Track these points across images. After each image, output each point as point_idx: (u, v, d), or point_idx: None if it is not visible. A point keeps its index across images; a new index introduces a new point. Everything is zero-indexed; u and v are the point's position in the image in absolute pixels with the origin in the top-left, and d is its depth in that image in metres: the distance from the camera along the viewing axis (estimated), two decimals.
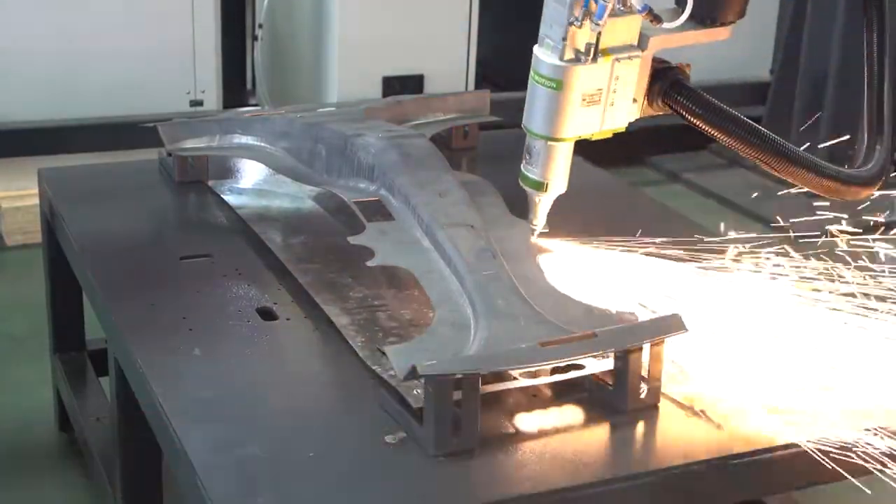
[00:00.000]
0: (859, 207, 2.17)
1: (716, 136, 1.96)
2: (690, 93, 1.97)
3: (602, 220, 2.28)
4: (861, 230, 2.14)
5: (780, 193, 2.27)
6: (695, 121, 1.97)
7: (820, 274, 2.01)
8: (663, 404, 1.80)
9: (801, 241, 2.13)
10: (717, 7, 1.98)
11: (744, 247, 2.10)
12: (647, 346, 1.77)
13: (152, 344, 1.96)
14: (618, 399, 1.78)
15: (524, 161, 2.01)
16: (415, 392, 1.73)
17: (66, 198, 2.58)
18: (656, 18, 1.92)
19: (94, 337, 2.82)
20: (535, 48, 1.92)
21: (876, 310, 1.94)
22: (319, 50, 4.39)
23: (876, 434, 1.71)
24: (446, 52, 4.50)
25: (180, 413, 1.76)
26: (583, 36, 1.87)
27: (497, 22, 4.85)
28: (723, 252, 2.09)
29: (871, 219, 2.37)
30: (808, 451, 1.68)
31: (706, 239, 2.16)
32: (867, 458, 1.68)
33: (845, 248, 2.10)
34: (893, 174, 2.08)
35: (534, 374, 1.81)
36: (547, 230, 2.10)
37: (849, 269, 2.02)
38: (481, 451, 1.67)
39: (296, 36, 4.56)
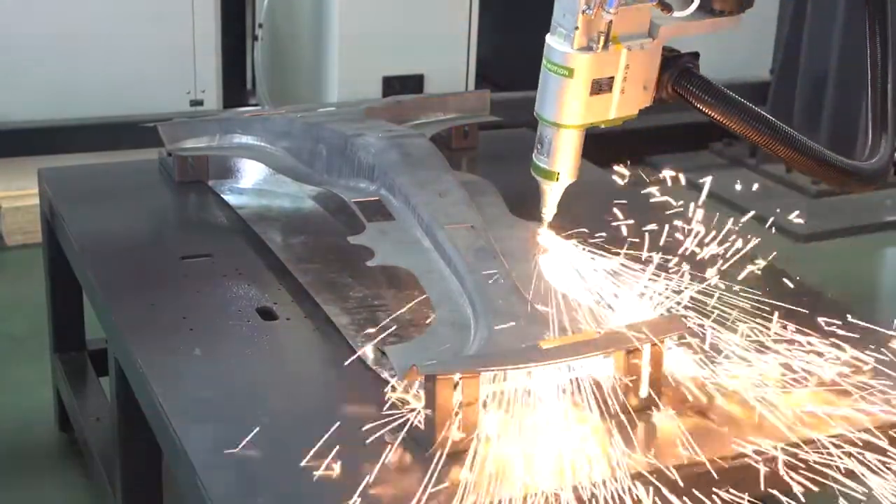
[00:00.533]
0: None
1: (725, 123, 1.97)
2: (700, 80, 1.99)
3: (602, 220, 2.27)
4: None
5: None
6: (704, 108, 1.98)
7: None
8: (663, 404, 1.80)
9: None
10: None
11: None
12: (647, 347, 1.77)
13: (152, 344, 1.96)
14: (616, 399, 1.78)
15: (535, 150, 2.01)
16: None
17: (66, 198, 2.58)
18: (666, 7, 1.94)
19: (94, 337, 2.82)
20: (548, 37, 1.93)
21: None
22: (319, 50, 4.39)
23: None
24: (446, 52, 4.50)
25: (180, 413, 1.76)
26: (594, 24, 1.88)
27: (497, 22, 4.85)
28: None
29: None
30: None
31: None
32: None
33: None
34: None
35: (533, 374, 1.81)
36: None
37: None
38: (481, 451, 1.67)
39: (296, 36, 4.56)
